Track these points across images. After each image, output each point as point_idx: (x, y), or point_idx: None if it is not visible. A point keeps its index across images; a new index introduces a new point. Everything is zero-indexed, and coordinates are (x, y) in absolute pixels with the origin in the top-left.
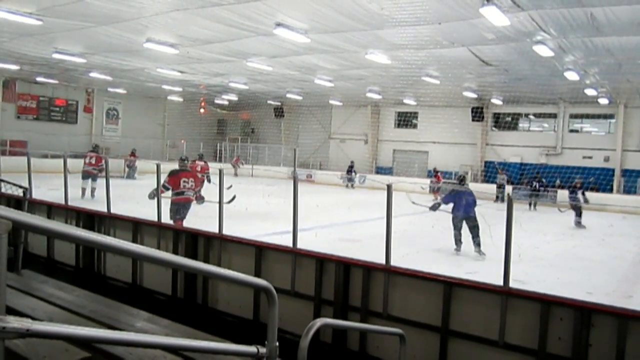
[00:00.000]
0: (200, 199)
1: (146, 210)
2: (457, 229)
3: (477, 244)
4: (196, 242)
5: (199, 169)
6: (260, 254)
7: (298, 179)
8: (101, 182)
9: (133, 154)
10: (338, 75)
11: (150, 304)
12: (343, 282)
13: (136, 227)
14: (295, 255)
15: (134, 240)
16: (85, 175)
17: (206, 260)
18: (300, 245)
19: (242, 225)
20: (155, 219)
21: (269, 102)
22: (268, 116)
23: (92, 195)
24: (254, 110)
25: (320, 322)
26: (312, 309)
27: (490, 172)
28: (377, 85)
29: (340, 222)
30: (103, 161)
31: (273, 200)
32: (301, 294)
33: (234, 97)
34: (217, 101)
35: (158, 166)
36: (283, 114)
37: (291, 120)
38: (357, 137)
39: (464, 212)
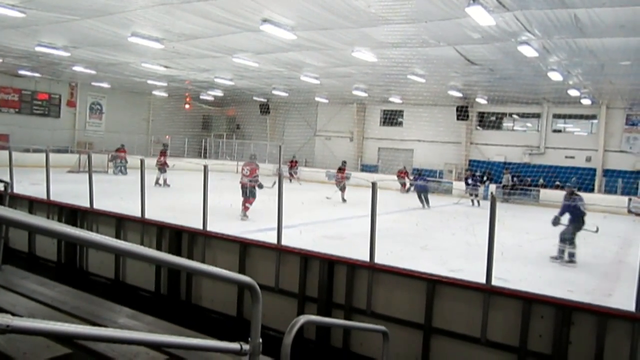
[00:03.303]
0: (259, 186)
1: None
2: (567, 241)
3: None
4: (180, 238)
5: (245, 172)
6: (244, 250)
7: (283, 175)
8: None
9: (122, 149)
10: (324, 73)
11: (133, 301)
12: (327, 280)
13: (119, 223)
14: (279, 252)
15: (117, 236)
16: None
17: (190, 257)
18: (285, 242)
19: (227, 221)
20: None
21: (254, 98)
22: (254, 113)
23: (165, 184)
24: (240, 106)
25: (304, 319)
26: (296, 305)
27: (474, 170)
28: (363, 83)
29: (325, 219)
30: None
31: (258, 197)
32: (285, 291)
33: (219, 93)
34: (203, 97)
35: (142, 161)
36: (269, 111)
37: (277, 117)
38: (342, 135)
39: (576, 224)
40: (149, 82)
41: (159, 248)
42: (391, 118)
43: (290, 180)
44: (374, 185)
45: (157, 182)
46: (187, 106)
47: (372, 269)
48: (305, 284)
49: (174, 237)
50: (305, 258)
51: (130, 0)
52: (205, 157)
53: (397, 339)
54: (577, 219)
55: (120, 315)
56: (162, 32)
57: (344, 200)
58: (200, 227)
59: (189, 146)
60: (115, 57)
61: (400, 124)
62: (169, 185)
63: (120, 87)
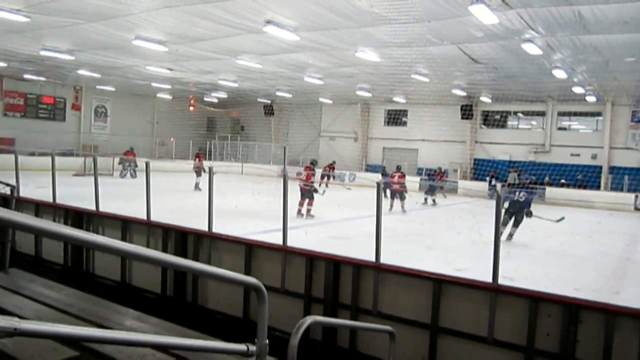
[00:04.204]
0: (314, 191)
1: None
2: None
3: None
4: (185, 240)
5: (302, 176)
6: (250, 252)
7: (288, 177)
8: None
9: (130, 152)
10: (328, 73)
11: (139, 303)
12: (333, 280)
13: (125, 225)
14: (285, 253)
15: (123, 239)
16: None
17: (196, 258)
18: (290, 243)
19: (232, 223)
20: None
21: (258, 100)
22: (258, 114)
23: (197, 187)
24: (244, 108)
25: (310, 319)
26: (302, 306)
27: (479, 169)
28: (367, 83)
29: (330, 219)
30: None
31: (263, 198)
32: (291, 292)
33: (223, 95)
34: (207, 99)
35: (147, 164)
36: (273, 112)
37: (281, 118)
38: (347, 135)
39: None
40: (153, 84)
41: (164, 250)
42: (395, 118)
43: (327, 185)
44: (378, 185)
45: (196, 187)
46: (191, 108)
47: (378, 269)
48: (311, 285)
49: (180, 239)
50: (311, 259)
51: (133, 3)
52: (209, 159)
53: (404, 339)
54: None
55: (127, 317)
56: (166, 34)
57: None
58: (206, 228)
59: (194, 148)
60: (119, 60)
61: (405, 123)
62: (200, 190)
63: (124, 90)
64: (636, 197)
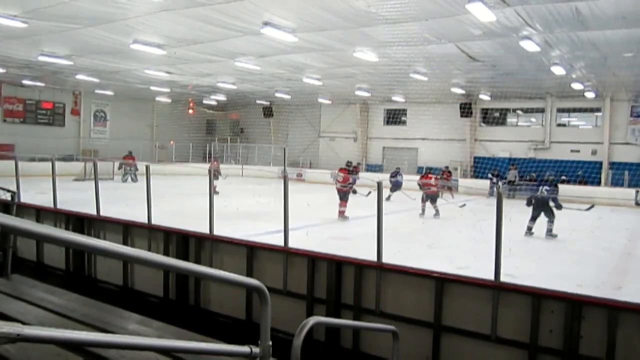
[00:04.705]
0: (353, 191)
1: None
2: None
3: None
4: (187, 243)
5: (340, 179)
6: (251, 253)
7: (288, 178)
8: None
9: (130, 156)
10: (326, 74)
11: (142, 307)
12: (335, 280)
13: (126, 229)
14: (286, 254)
15: (125, 243)
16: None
17: (197, 261)
18: (292, 244)
19: (233, 225)
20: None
21: (257, 101)
22: (257, 116)
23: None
24: (243, 110)
25: (313, 320)
26: (305, 307)
27: (479, 167)
28: (365, 83)
29: (331, 220)
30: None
31: (264, 200)
32: (293, 293)
33: (222, 97)
34: (206, 101)
35: (147, 167)
36: (272, 114)
37: (280, 120)
38: (346, 135)
39: None
40: (152, 88)
41: (166, 253)
42: (395, 117)
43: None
44: (379, 185)
45: (214, 191)
46: (190, 111)
47: (380, 269)
48: (314, 286)
49: (181, 242)
50: (313, 259)
51: (131, 7)
52: (209, 161)
53: (407, 338)
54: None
55: (130, 321)
56: (164, 38)
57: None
58: (207, 231)
59: (193, 151)
60: (117, 65)
61: (404, 122)
62: (218, 193)
63: (123, 94)
64: (637, 192)
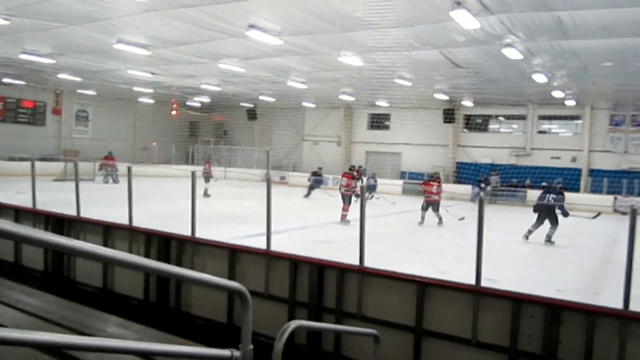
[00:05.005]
0: (356, 195)
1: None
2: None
3: None
4: (169, 246)
5: (343, 182)
6: (233, 256)
7: (272, 181)
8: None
9: (110, 156)
10: (311, 77)
11: (122, 309)
12: (317, 284)
13: (107, 231)
14: (268, 257)
15: (105, 244)
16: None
17: (179, 264)
18: (274, 247)
19: (216, 228)
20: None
21: (241, 104)
22: (241, 118)
23: (206, 194)
24: (227, 112)
25: (294, 324)
26: (287, 311)
27: (461, 173)
28: (350, 87)
29: (314, 223)
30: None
31: (247, 203)
32: (275, 297)
33: (206, 99)
34: (189, 103)
35: (129, 169)
36: (256, 116)
37: (264, 122)
38: (330, 139)
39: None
40: (135, 89)
41: (147, 255)
42: (378, 122)
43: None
44: (362, 189)
45: (205, 193)
46: (173, 112)
47: (362, 273)
48: (296, 289)
49: (163, 244)
50: (295, 263)
51: (115, 7)
52: (192, 163)
53: (388, 342)
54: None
55: (109, 324)
56: (148, 38)
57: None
58: (189, 233)
59: (176, 153)
60: (100, 64)
61: (388, 127)
62: (209, 195)
63: (106, 94)
64: (615, 199)
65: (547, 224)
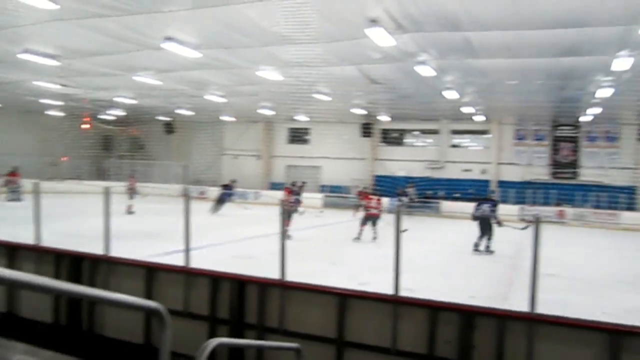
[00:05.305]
0: (294, 211)
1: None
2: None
3: None
4: (80, 265)
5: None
6: (150, 275)
7: (191, 196)
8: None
9: (14, 172)
10: (230, 91)
11: (29, 335)
12: (238, 300)
13: (12, 252)
14: (187, 274)
15: (10, 266)
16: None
17: (92, 284)
18: (194, 264)
19: (132, 246)
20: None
21: (159, 117)
22: (158, 132)
23: (131, 211)
24: (144, 125)
25: (214, 342)
26: (207, 329)
27: (379, 186)
28: (269, 102)
29: (234, 239)
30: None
31: (164, 219)
32: (195, 314)
33: (121, 112)
34: (103, 116)
35: (36, 185)
36: (174, 130)
37: (183, 136)
38: (250, 153)
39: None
40: (43, 101)
41: (57, 277)
42: (298, 136)
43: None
44: (282, 203)
45: (129, 211)
46: (86, 126)
47: (283, 287)
48: (216, 306)
49: (73, 264)
50: (215, 279)
51: (19, 14)
52: (106, 179)
53: (311, 355)
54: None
55: (14, 351)
56: (57, 48)
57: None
58: (102, 252)
59: (89, 168)
60: (3, 75)
61: (307, 141)
62: (134, 212)
63: (10, 107)
64: (521, 208)
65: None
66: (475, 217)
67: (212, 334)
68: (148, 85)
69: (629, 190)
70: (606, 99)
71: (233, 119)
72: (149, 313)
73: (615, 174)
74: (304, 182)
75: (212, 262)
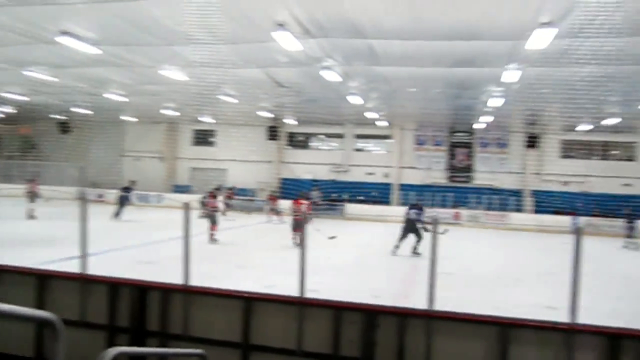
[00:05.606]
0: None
1: None
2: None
3: None
4: None
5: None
6: (42, 283)
7: (88, 199)
8: None
9: None
10: (132, 90)
11: None
12: (139, 307)
13: None
14: (83, 282)
15: None
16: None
17: None
18: (92, 270)
19: (22, 252)
20: None
21: (53, 115)
22: (52, 131)
23: (32, 216)
24: (36, 124)
25: (113, 351)
26: (105, 338)
27: (285, 189)
28: (173, 102)
29: (136, 243)
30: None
31: (59, 223)
32: (92, 324)
33: (11, 110)
34: None
35: None
36: (69, 129)
37: (79, 136)
38: (152, 155)
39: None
40: None
41: None
42: (203, 138)
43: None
44: (186, 205)
45: (29, 215)
46: None
47: (187, 292)
48: (115, 314)
49: None
50: (114, 286)
51: None
52: None
53: None
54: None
55: None
56: None
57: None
58: None
59: None
60: None
61: (213, 143)
62: (36, 217)
63: None
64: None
65: (412, 237)
66: (405, 222)
67: (111, 344)
68: (41, 81)
69: (517, 193)
70: (497, 108)
71: (135, 119)
72: (41, 324)
73: (504, 178)
74: (232, 187)
75: (111, 268)
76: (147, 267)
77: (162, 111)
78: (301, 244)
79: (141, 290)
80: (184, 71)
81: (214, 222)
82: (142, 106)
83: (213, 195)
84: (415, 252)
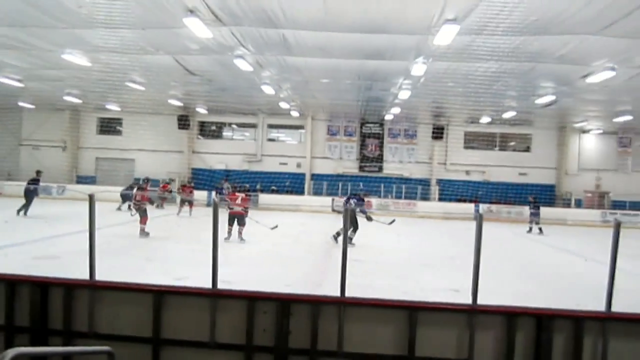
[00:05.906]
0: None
1: None
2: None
3: None
4: None
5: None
6: None
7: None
8: None
9: None
10: (29, 75)
11: None
12: (40, 305)
13: None
14: None
15: None
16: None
17: None
18: None
19: None
20: None
21: None
22: None
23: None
24: None
25: (12, 352)
26: (2, 339)
27: (197, 179)
28: (76, 89)
29: (36, 238)
30: None
31: None
32: None
33: None
34: None
35: None
36: None
37: None
38: (54, 144)
39: None
40: None
41: None
42: (109, 126)
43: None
44: (91, 197)
45: None
46: None
47: (93, 287)
48: (13, 313)
49: None
50: (12, 283)
51: None
52: None
53: (125, 357)
54: None
55: None
56: None
57: None
58: None
59: None
60: None
61: (120, 132)
62: None
63: None
64: (333, 200)
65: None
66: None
67: (10, 345)
68: None
69: (425, 182)
70: (405, 100)
71: (32, 106)
72: None
73: (412, 168)
74: (170, 180)
75: (8, 265)
76: (49, 262)
77: (65, 97)
78: (239, 236)
79: (42, 287)
80: (87, 56)
81: (143, 215)
82: (42, 92)
83: (141, 187)
84: (350, 243)
